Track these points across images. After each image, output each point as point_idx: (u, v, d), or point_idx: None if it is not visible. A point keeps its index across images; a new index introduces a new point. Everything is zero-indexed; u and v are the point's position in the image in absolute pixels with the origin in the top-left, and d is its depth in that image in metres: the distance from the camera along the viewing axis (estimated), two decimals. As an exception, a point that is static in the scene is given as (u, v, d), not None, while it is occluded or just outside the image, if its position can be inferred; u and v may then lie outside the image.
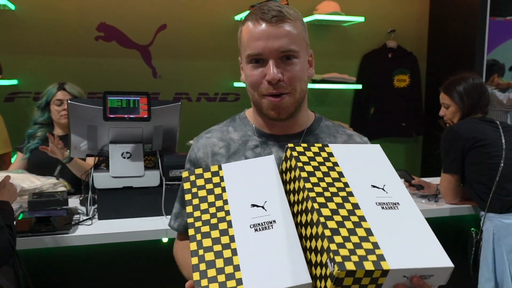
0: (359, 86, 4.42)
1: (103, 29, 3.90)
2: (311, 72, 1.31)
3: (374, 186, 1.01)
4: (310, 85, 4.23)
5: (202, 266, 0.91)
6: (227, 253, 0.92)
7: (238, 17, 4.06)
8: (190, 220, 1.00)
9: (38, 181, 2.44)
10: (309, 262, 0.90)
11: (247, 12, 3.89)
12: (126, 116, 2.17)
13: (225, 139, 1.35)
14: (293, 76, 1.21)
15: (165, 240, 2.15)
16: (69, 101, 2.20)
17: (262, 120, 1.33)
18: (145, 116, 2.19)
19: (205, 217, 1.00)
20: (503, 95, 4.37)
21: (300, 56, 1.23)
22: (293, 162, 1.04)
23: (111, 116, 2.15)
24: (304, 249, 0.92)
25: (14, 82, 3.68)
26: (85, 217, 2.20)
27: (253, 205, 1.00)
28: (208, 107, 4.16)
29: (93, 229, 2.08)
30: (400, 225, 0.93)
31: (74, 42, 3.85)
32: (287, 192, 1.03)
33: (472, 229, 2.50)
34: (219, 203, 1.02)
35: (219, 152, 1.34)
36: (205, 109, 4.15)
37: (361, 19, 4.27)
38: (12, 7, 3.64)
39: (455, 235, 2.72)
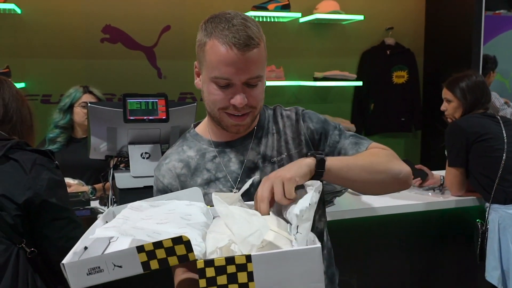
0: (360, 83, 4.52)
1: (108, 31, 3.95)
2: (266, 84, 1.36)
3: None
4: (313, 83, 4.31)
5: None
6: None
7: (240, 17, 4.11)
8: None
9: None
10: None
11: (250, 12, 3.98)
12: (145, 117, 2.24)
13: (183, 159, 1.39)
14: (256, 99, 1.27)
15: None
16: (89, 104, 2.26)
17: (216, 129, 1.38)
18: (164, 117, 2.26)
19: None
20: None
21: (262, 78, 1.29)
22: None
23: (131, 118, 2.21)
24: None
25: (21, 85, 3.72)
26: (107, 216, 2.26)
27: None
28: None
29: (117, 227, 2.14)
30: None
31: (80, 45, 3.90)
32: None
33: (477, 220, 2.60)
34: None
35: (181, 173, 1.37)
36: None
37: (360, 17, 4.36)
38: (19, 11, 3.69)
39: (461, 226, 2.82)
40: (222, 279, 0.87)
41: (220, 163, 1.35)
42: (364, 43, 4.66)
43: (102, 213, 2.28)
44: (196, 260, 0.89)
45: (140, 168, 2.30)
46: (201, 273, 0.87)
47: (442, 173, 2.91)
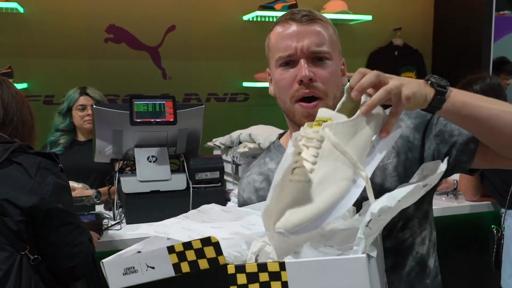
0: (367, 84, 4.44)
1: (112, 31, 3.89)
2: (344, 81, 1.22)
3: None
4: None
5: None
6: None
7: (246, 17, 4.06)
8: None
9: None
10: None
11: (256, 12, 3.89)
12: (152, 120, 2.18)
13: (263, 172, 1.28)
14: (325, 77, 1.14)
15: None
16: (94, 106, 2.20)
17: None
18: (171, 119, 2.20)
19: None
20: None
21: (332, 59, 1.16)
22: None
23: (138, 120, 2.15)
24: None
25: (24, 85, 3.66)
26: (113, 222, 2.20)
27: None
28: (217, 108, 4.16)
29: (123, 233, 2.08)
30: None
31: (83, 45, 3.83)
32: None
33: (492, 226, 2.53)
34: None
35: (260, 187, 1.27)
36: (215, 110, 4.15)
37: (368, 17, 4.30)
38: (21, 10, 3.62)
39: (476, 231, 2.76)
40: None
41: None
42: (372, 43, 4.59)
43: (107, 218, 2.22)
44: (227, 264, 0.82)
45: (146, 172, 2.24)
46: (232, 280, 0.80)
47: (455, 177, 2.84)
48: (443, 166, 0.95)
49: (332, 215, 0.83)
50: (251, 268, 0.80)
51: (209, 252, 0.85)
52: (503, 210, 2.52)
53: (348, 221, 0.92)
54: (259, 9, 3.97)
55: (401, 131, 0.97)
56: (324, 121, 0.88)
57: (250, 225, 1.03)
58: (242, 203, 1.31)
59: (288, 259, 0.81)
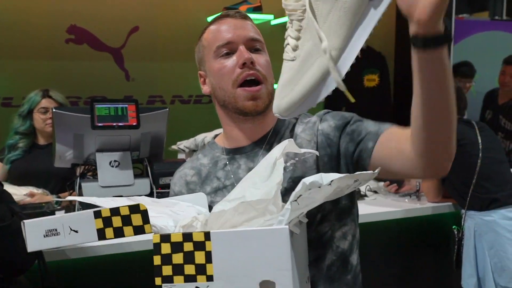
0: (331, 86, 4.48)
1: (74, 31, 3.81)
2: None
3: None
4: (284, 86, 4.26)
5: None
6: None
7: (211, 19, 4.00)
8: None
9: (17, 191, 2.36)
10: None
11: (221, 13, 3.85)
12: (114, 124, 2.13)
13: (195, 166, 1.32)
14: (264, 64, 1.21)
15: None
16: (54, 110, 2.14)
17: (230, 135, 1.29)
18: (134, 123, 2.16)
19: None
20: None
21: (265, 50, 1.24)
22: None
23: (99, 124, 2.11)
24: None
25: (-20, 87, 3.56)
26: (73, 229, 2.14)
27: None
28: (182, 110, 4.13)
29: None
30: None
31: (43, 45, 3.75)
32: None
33: (453, 226, 2.58)
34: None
35: (191, 180, 1.31)
36: (180, 112, 4.11)
37: (332, 20, 4.32)
38: (-23, 9, 3.51)
39: (438, 232, 2.81)
40: (178, 258, 0.82)
41: (230, 170, 1.26)
42: (336, 46, 4.63)
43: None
44: (153, 234, 0.84)
45: (109, 177, 2.19)
46: (156, 249, 0.82)
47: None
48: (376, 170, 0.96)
49: (322, 94, 0.86)
50: (176, 237, 0.82)
51: (136, 219, 0.86)
52: (463, 211, 2.57)
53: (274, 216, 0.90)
54: (223, 10, 3.94)
55: (326, 128, 1.11)
56: None
57: (179, 211, 1.05)
58: (174, 195, 1.34)
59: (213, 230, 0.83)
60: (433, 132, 0.96)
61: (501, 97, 4.50)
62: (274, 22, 4.25)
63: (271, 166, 0.97)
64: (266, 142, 1.26)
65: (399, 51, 4.85)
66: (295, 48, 0.83)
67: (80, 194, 2.19)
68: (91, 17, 3.85)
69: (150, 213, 0.90)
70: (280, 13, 4.21)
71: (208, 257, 0.81)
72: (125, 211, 0.86)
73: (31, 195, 2.41)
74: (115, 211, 0.86)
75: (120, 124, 2.14)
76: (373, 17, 0.87)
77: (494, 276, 2.44)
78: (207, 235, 0.81)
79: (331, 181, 0.81)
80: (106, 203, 0.96)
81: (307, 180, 0.80)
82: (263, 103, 1.20)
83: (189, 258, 0.81)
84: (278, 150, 1.00)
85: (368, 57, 4.67)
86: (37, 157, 2.78)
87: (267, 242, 0.79)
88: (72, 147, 2.22)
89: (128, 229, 0.86)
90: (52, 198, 2.41)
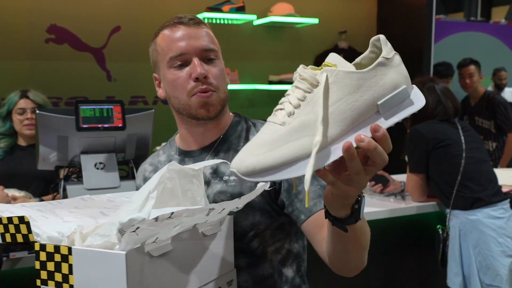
0: (314, 87, 4.49)
1: (54, 31, 3.74)
2: (228, 80, 1.33)
3: None
4: (268, 86, 4.26)
5: None
6: None
7: (193, 19, 4.00)
8: None
9: None
10: None
11: (204, 13, 3.85)
12: (100, 125, 2.09)
13: (154, 163, 1.40)
14: (217, 74, 1.24)
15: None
16: (37, 111, 2.10)
17: (183, 136, 1.34)
18: (120, 125, 2.13)
19: None
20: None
21: (219, 58, 1.27)
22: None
23: (84, 126, 2.07)
24: None
25: (-43, 88, 3.46)
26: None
27: None
28: (165, 111, 4.02)
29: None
30: None
31: (22, 45, 3.67)
32: None
33: (438, 226, 2.60)
34: None
35: (148, 176, 1.37)
36: (163, 113, 4.05)
37: (315, 20, 4.34)
38: (-46, 8, 3.43)
39: (423, 231, 2.83)
40: (50, 265, 0.92)
41: None
42: (318, 46, 4.64)
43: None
44: (35, 242, 0.94)
45: (94, 179, 2.15)
46: (37, 255, 0.93)
47: (401, 177, 2.91)
48: (266, 186, 1.01)
49: (288, 174, 0.75)
50: (50, 248, 0.92)
51: (23, 229, 0.97)
52: (448, 210, 2.60)
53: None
54: (206, 11, 3.92)
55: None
56: (329, 66, 0.82)
57: (109, 212, 1.14)
58: (136, 189, 1.41)
59: (76, 246, 0.92)
60: (343, 261, 1.05)
61: (472, 100, 4.66)
62: (257, 22, 4.25)
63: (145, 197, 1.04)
64: (213, 149, 1.31)
65: (380, 52, 4.88)
66: (289, 115, 0.78)
67: (65, 197, 2.15)
68: (72, 17, 3.78)
69: (66, 218, 1.05)
70: (262, 13, 4.22)
71: (70, 269, 0.90)
72: (16, 221, 0.97)
73: (13, 198, 2.35)
74: (10, 220, 0.98)
75: (105, 125, 2.10)
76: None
77: (479, 275, 2.47)
78: (69, 250, 0.90)
79: (172, 213, 0.83)
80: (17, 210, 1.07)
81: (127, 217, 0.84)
82: (214, 110, 1.24)
83: (58, 267, 0.91)
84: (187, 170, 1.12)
85: (350, 58, 4.62)
86: (18, 158, 2.73)
87: (105, 263, 0.87)
88: (56, 149, 2.17)
89: (19, 236, 0.97)
90: (35, 201, 2.35)
